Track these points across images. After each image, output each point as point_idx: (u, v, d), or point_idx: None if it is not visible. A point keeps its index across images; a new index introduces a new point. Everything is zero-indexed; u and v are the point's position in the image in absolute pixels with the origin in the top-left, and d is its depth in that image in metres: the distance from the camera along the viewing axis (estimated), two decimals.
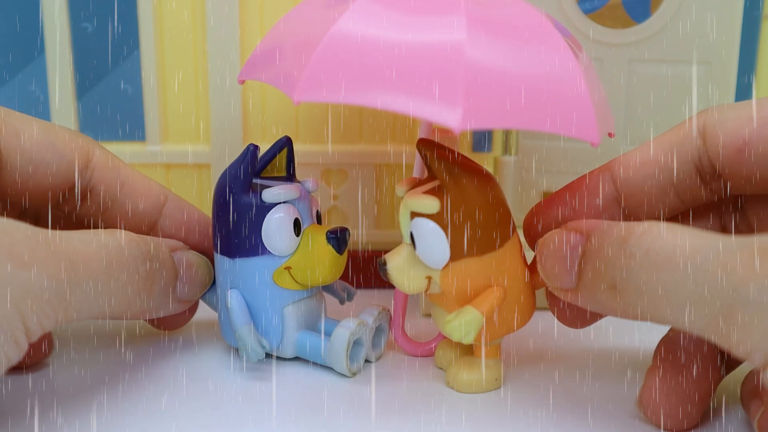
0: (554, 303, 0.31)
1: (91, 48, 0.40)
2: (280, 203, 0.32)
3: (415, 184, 0.31)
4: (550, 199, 0.31)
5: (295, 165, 0.34)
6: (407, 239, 0.30)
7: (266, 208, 0.32)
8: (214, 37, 0.40)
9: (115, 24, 0.40)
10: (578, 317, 0.31)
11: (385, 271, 0.30)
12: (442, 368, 0.33)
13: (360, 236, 0.43)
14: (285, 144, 0.33)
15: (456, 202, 0.29)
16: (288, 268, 0.32)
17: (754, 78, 0.40)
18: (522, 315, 0.31)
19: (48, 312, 0.25)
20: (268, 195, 0.31)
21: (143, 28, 0.40)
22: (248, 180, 0.31)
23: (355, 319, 0.32)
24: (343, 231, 0.32)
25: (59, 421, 0.28)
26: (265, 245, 0.32)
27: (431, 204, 0.29)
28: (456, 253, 0.29)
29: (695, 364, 0.29)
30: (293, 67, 0.27)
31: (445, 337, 0.35)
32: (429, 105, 0.25)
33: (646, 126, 0.39)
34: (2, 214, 0.32)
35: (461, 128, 0.24)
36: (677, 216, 0.31)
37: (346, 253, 0.33)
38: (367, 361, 0.34)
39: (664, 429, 0.28)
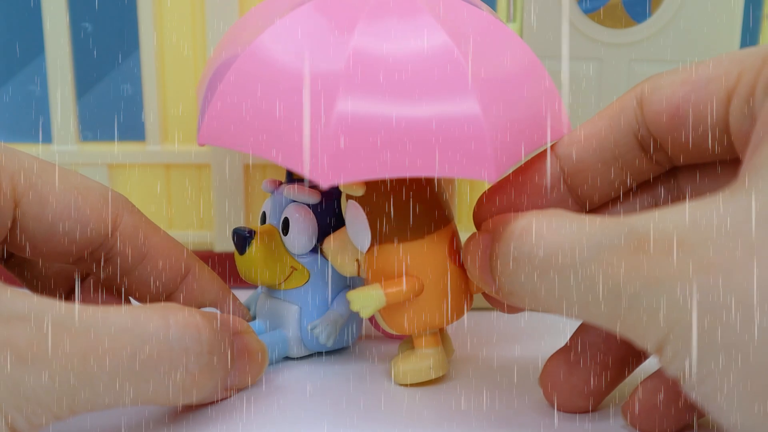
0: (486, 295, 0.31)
1: (91, 48, 0.40)
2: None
3: None
4: (497, 186, 0.30)
5: None
6: None
7: None
8: (214, 37, 0.40)
9: (115, 24, 0.40)
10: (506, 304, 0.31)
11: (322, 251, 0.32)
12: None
13: None
14: None
15: (379, 187, 0.30)
16: None
17: None
18: (454, 310, 0.31)
19: (39, 413, 0.22)
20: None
21: (143, 28, 0.40)
22: (289, 179, 0.34)
23: None
24: (242, 230, 0.31)
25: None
26: None
27: (357, 187, 0.29)
28: (378, 238, 0.30)
29: (597, 355, 0.28)
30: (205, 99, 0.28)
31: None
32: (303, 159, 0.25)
33: None
34: (20, 268, 0.32)
35: (328, 185, 0.25)
36: (628, 192, 0.30)
37: (256, 255, 0.32)
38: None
39: (559, 410, 0.29)
